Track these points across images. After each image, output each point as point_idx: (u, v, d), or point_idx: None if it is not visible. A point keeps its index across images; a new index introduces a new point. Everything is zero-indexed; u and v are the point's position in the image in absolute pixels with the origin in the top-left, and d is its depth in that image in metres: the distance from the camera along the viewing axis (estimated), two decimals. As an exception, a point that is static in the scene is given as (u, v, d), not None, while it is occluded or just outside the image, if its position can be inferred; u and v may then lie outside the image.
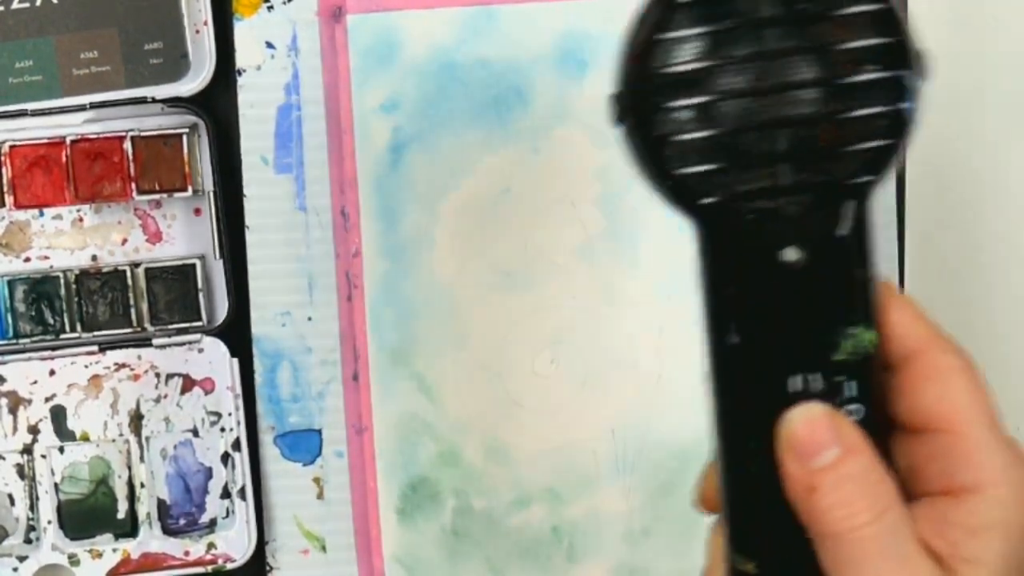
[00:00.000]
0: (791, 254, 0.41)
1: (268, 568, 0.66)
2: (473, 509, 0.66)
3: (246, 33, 0.65)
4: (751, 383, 0.42)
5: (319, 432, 0.66)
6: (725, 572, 0.43)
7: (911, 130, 0.41)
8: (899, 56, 0.40)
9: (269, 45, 0.65)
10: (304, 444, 0.66)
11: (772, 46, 0.40)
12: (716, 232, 0.41)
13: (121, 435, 0.65)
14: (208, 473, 0.65)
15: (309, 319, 0.66)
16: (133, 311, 0.65)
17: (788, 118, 0.40)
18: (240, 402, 0.64)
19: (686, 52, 0.40)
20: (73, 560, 0.64)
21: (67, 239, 0.65)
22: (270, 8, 0.65)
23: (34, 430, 0.65)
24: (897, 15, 0.40)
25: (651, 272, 0.66)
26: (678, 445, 0.66)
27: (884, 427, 0.42)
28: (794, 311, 0.41)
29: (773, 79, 0.40)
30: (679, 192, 0.41)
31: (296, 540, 0.66)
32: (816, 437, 0.40)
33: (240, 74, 0.65)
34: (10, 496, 0.65)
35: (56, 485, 0.64)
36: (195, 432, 0.65)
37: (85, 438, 0.65)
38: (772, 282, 0.41)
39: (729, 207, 0.41)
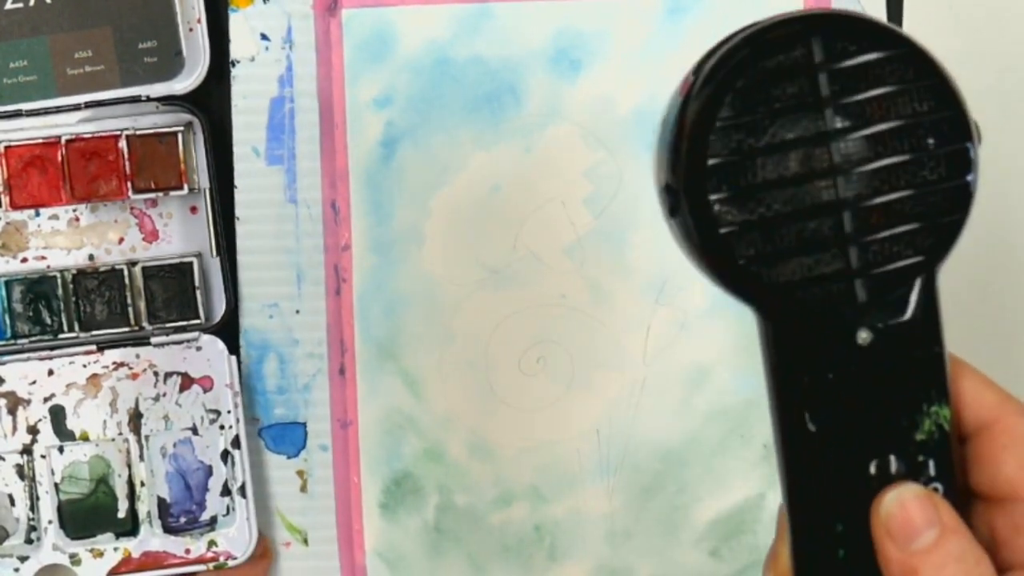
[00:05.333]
0: (864, 337, 0.41)
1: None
2: (456, 506, 0.66)
3: (241, 24, 0.65)
4: (831, 470, 0.41)
5: (304, 425, 0.66)
6: None
7: (973, 201, 0.40)
8: (961, 128, 0.40)
9: (264, 37, 0.65)
10: (289, 437, 0.66)
11: (828, 127, 0.40)
12: (785, 321, 0.41)
13: (120, 434, 0.65)
14: (208, 471, 0.65)
15: (297, 312, 0.66)
16: (131, 310, 0.65)
17: (848, 200, 0.40)
18: (239, 399, 0.64)
19: (741, 138, 0.40)
20: (74, 560, 0.64)
21: (64, 239, 0.65)
22: (265, 0, 0.65)
23: (33, 430, 0.65)
24: (952, 85, 0.40)
25: (639, 274, 0.66)
26: (663, 447, 0.66)
27: (964, 502, 0.42)
28: (871, 395, 0.41)
29: (832, 160, 0.40)
30: (745, 282, 0.40)
31: (278, 532, 0.66)
32: (914, 519, 0.40)
33: (234, 65, 0.65)
34: (10, 496, 0.65)
35: (56, 485, 0.65)
36: (194, 430, 0.65)
37: (84, 437, 0.65)
38: (847, 368, 0.41)
39: (799, 294, 0.40)
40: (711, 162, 0.39)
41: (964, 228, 0.41)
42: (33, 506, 0.65)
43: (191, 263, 0.65)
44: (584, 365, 0.66)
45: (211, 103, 0.65)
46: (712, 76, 0.40)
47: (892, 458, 0.41)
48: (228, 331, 0.65)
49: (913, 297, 0.41)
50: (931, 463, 0.41)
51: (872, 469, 0.41)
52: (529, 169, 0.66)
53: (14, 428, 0.64)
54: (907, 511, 0.40)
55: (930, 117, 0.40)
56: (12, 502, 0.65)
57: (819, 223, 0.40)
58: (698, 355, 0.66)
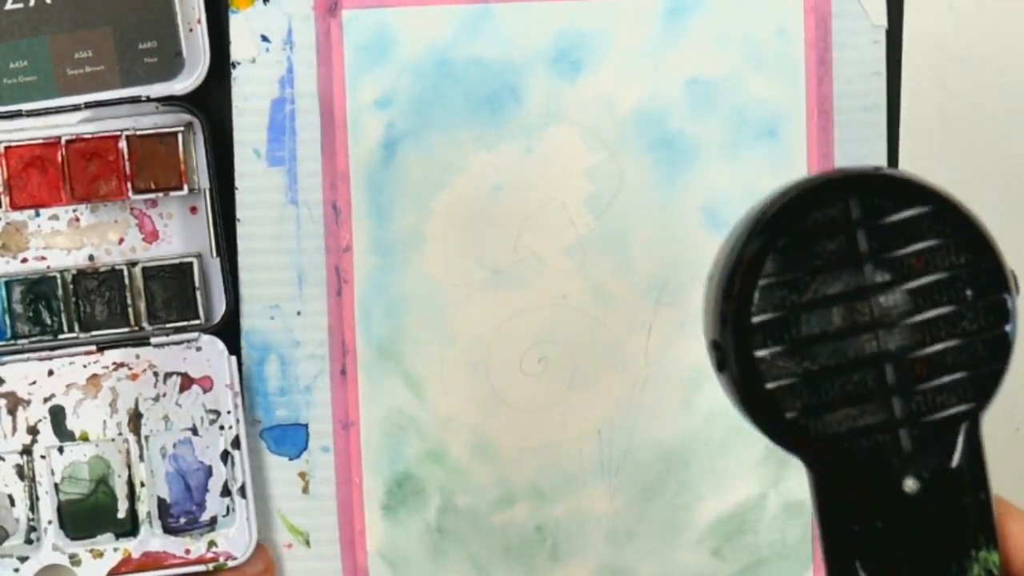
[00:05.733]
0: (911, 486, 0.41)
1: (257, 561, 0.66)
2: (457, 506, 0.66)
3: (241, 26, 0.65)
4: None
5: (305, 426, 0.66)
6: None
7: (1013, 350, 0.41)
8: (999, 279, 0.41)
9: (264, 38, 0.65)
10: (290, 438, 0.66)
11: (868, 281, 0.41)
12: (833, 471, 0.42)
13: (120, 434, 0.65)
14: (208, 471, 0.65)
15: (298, 313, 0.66)
16: (131, 310, 0.65)
17: (891, 352, 0.41)
18: (239, 400, 0.65)
19: (785, 295, 0.41)
20: (74, 560, 0.64)
21: (64, 239, 0.65)
22: (266, 1, 0.65)
23: (33, 431, 0.65)
24: (988, 237, 0.41)
25: (640, 274, 0.66)
26: (664, 447, 0.66)
27: None
28: (921, 542, 0.42)
29: (873, 313, 0.41)
30: (792, 435, 0.41)
31: (280, 534, 0.66)
32: None
33: (235, 67, 0.65)
34: (10, 497, 0.65)
35: (56, 485, 0.65)
36: (194, 430, 0.65)
37: (84, 438, 0.65)
38: (895, 516, 0.42)
39: (845, 445, 0.41)
40: (756, 319, 0.41)
41: (1005, 376, 0.41)
42: (33, 506, 0.65)
43: (191, 263, 0.65)
44: (585, 365, 0.66)
45: (211, 104, 0.65)
46: (755, 237, 0.41)
47: None
48: (228, 331, 0.65)
49: (958, 445, 0.41)
50: None
51: None
52: (530, 170, 0.66)
53: (14, 428, 0.64)
54: None
55: (968, 269, 0.41)
56: (12, 502, 0.65)
57: (863, 375, 0.41)
58: (699, 355, 0.65)
